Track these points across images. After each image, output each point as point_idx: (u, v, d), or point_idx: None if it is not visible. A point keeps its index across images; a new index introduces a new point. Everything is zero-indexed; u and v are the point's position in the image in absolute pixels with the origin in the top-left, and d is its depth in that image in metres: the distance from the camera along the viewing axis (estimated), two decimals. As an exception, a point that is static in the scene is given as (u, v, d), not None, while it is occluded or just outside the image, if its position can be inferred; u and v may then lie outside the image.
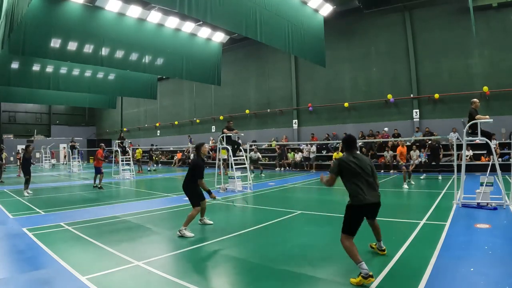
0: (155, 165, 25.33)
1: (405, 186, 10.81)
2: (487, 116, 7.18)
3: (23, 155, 11.73)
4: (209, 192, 6.02)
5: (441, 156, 14.60)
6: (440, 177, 12.95)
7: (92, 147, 35.04)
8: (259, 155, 17.75)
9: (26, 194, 10.62)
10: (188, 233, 5.55)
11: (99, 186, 12.43)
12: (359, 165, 4.00)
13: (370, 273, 3.43)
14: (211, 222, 6.41)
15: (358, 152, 4.29)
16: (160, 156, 27.96)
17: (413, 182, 11.74)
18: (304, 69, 21.05)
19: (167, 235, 5.85)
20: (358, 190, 3.91)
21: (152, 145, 27.30)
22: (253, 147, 17.17)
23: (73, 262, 4.26)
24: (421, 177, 13.30)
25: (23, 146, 26.73)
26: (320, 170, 18.52)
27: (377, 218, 4.30)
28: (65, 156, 25.05)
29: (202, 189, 6.02)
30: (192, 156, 26.02)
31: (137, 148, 23.47)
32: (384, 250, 4.39)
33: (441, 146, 15.35)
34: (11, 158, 31.30)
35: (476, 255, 4.19)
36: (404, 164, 11.42)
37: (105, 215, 7.36)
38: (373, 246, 4.55)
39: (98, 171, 12.52)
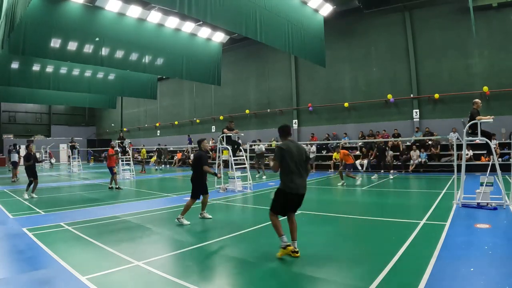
0: (162, 166, 25.36)
1: (340, 184, 11.79)
2: (489, 116, 7.17)
3: (26, 155, 10.61)
4: (215, 174, 6.87)
5: (388, 157, 15.86)
6: (391, 177, 13.75)
7: (92, 147, 35.10)
8: (263, 148, 17.57)
9: (28, 196, 9.84)
10: (185, 221, 6.22)
11: (116, 187, 12.00)
12: (296, 153, 4.41)
13: (288, 243, 4.18)
14: (210, 217, 6.72)
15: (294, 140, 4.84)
16: (167, 156, 27.86)
17: (345, 183, 11.95)
18: (304, 69, 21.05)
19: (167, 235, 5.85)
20: (293, 179, 4.33)
21: (159, 144, 27.37)
22: (257, 141, 16.97)
23: (73, 262, 4.25)
24: (372, 177, 13.93)
25: (23, 146, 26.80)
26: (320, 170, 18.53)
27: (377, 218, 4.30)
28: (69, 156, 25.07)
29: (207, 173, 6.55)
30: (192, 156, 26.07)
31: (142, 148, 23.45)
32: (297, 252, 4.25)
33: (388, 147, 16.31)
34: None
35: (476, 255, 4.18)
36: (348, 164, 12.22)
37: (105, 215, 7.36)
38: (285, 251, 4.26)
39: (110, 171, 12.22)
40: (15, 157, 16.36)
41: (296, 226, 4.49)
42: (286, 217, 4.52)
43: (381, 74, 18.36)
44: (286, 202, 4.41)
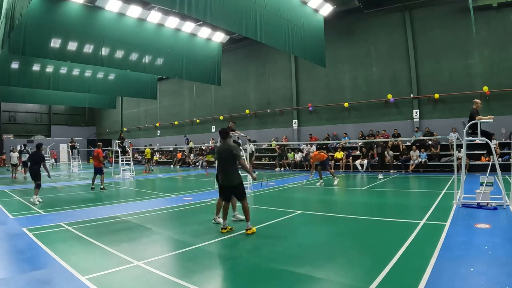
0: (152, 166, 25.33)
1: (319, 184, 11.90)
2: (489, 116, 7.16)
3: (40, 156, 9.82)
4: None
5: (388, 157, 15.98)
6: (380, 176, 13.87)
7: (92, 147, 35.09)
8: (253, 148, 15.88)
9: (38, 202, 9.08)
10: (220, 219, 6.14)
11: (101, 187, 12.04)
12: (221, 153, 5.69)
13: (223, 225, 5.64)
14: (242, 218, 6.09)
15: (230, 141, 6.07)
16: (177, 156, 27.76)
17: (323, 183, 12.02)
18: (304, 69, 21.05)
19: (167, 235, 5.85)
20: (219, 174, 5.57)
21: (176, 145, 27.41)
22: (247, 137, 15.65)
23: (73, 262, 4.25)
24: (379, 176, 13.82)
25: (18, 146, 26.82)
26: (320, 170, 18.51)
27: (377, 218, 4.32)
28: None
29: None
30: (192, 156, 26.05)
31: (146, 148, 23.35)
32: (225, 229, 5.65)
33: (388, 147, 16.41)
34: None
35: (476, 255, 4.18)
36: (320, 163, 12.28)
37: (105, 215, 7.35)
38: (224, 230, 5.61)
39: (99, 171, 12.18)
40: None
41: (227, 209, 5.85)
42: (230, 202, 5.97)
43: (381, 74, 18.36)
44: (220, 190, 5.86)
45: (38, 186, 9.31)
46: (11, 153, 18.13)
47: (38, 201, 9.04)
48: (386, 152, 16.15)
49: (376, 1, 17.66)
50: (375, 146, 16.55)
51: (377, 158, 16.28)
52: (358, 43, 19.09)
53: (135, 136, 33.86)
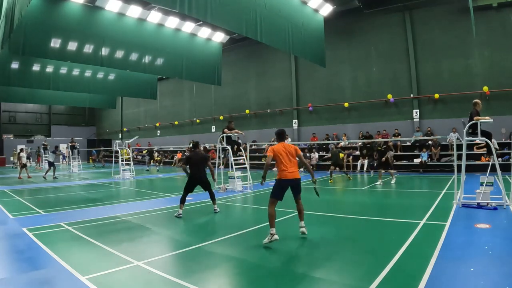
0: (150, 166, 25.39)
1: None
2: (488, 117, 7.17)
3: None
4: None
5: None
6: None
7: (92, 147, 35.10)
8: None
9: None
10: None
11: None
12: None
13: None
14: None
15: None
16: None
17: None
18: (304, 69, 21.05)
19: (167, 235, 5.85)
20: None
21: (191, 142, 27.51)
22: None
23: (73, 262, 4.25)
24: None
25: (23, 146, 26.97)
26: (320, 170, 18.52)
27: (377, 218, 4.31)
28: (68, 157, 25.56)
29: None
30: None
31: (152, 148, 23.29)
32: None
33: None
34: (11, 158, 31.32)
35: (476, 255, 4.18)
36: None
37: (105, 215, 7.35)
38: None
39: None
40: (52, 157, 17.77)
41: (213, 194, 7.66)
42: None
43: (381, 74, 18.35)
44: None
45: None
46: (21, 153, 18.14)
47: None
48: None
49: (376, 1, 17.66)
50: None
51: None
52: (358, 43, 19.09)
53: (135, 136, 33.80)
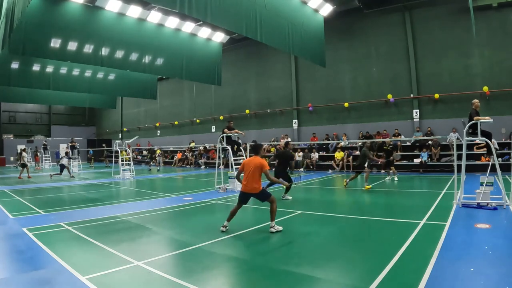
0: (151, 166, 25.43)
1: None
2: (487, 117, 7.17)
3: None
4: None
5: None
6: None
7: (92, 147, 35.07)
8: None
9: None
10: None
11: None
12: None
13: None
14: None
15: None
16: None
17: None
18: (304, 69, 21.05)
19: (167, 235, 5.85)
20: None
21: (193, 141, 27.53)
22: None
23: (73, 262, 4.25)
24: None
25: (22, 146, 27.00)
26: (320, 170, 18.54)
27: (377, 218, 4.32)
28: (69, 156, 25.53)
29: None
30: (192, 157, 26.03)
31: (156, 149, 23.29)
32: None
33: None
34: (11, 158, 31.33)
35: (476, 255, 4.18)
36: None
37: (105, 215, 7.35)
38: None
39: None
40: (65, 161, 18.30)
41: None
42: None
43: (381, 74, 18.36)
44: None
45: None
46: (24, 153, 18.13)
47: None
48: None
49: (376, 1, 17.67)
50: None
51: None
52: (358, 43, 19.09)
53: (135, 136, 33.80)
